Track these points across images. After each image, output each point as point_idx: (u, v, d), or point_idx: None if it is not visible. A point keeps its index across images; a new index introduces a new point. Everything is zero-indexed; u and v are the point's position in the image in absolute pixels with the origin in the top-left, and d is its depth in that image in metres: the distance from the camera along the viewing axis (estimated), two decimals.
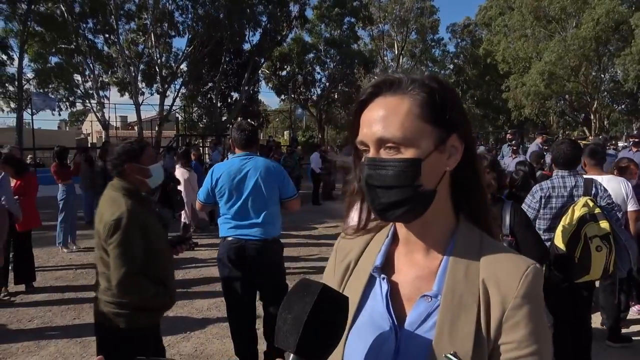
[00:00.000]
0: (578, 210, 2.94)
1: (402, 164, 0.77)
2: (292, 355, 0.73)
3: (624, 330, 4.16)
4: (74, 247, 7.71)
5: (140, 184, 2.47)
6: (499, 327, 0.77)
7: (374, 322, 0.83)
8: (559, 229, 3.01)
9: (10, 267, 5.53)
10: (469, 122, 0.86)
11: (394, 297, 0.84)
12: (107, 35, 22.69)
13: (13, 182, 5.35)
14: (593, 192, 3.14)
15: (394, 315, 0.82)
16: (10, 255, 5.49)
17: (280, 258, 3.48)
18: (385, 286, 0.85)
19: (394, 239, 0.91)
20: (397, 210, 0.79)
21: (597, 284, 4.10)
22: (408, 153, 0.77)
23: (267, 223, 3.26)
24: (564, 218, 3.00)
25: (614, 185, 3.58)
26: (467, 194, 0.86)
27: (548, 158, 7.57)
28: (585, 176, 3.40)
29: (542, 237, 3.26)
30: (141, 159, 2.46)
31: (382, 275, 0.86)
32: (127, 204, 2.32)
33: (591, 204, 2.96)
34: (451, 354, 0.75)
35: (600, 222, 2.90)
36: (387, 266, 0.88)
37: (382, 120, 0.78)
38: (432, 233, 0.85)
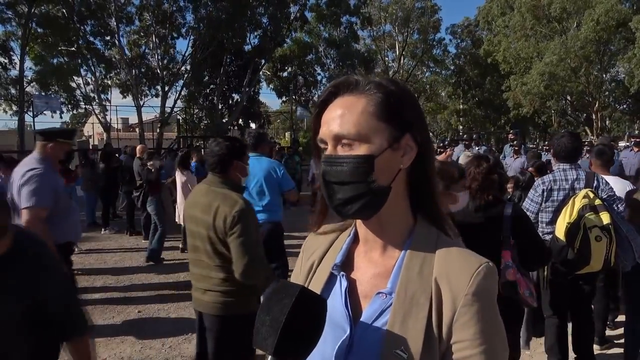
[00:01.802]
0: (578, 201, 2.94)
1: (356, 160, 0.79)
2: (270, 357, 0.74)
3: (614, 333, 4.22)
4: (76, 249, 7.69)
5: (239, 180, 2.65)
6: (450, 325, 0.78)
7: (331, 319, 0.84)
8: (559, 220, 3.02)
9: None
10: (425, 124, 0.89)
11: (351, 294, 0.87)
12: (107, 38, 22.72)
13: None
14: (594, 185, 3.15)
15: (350, 312, 0.84)
16: None
17: (281, 238, 4.33)
18: (344, 283, 0.87)
19: (355, 238, 0.93)
20: (353, 205, 0.81)
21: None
22: (362, 149, 0.80)
23: (269, 210, 4.12)
24: (564, 210, 3.01)
25: (619, 187, 3.58)
26: (422, 194, 0.88)
27: (544, 158, 7.57)
28: (586, 170, 3.40)
29: (545, 229, 3.27)
30: (243, 157, 2.62)
31: (341, 273, 0.88)
32: (240, 197, 2.52)
33: (591, 195, 2.96)
34: (400, 350, 0.77)
35: (600, 213, 2.89)
36: (346, 264, 0.91)
37: (339, 117, 0.81)
38: (390, 232, 0.86)
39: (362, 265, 0.89)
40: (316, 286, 0.91)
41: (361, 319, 0.83)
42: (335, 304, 0.86)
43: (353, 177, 0.79)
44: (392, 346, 0.77)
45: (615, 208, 3.08)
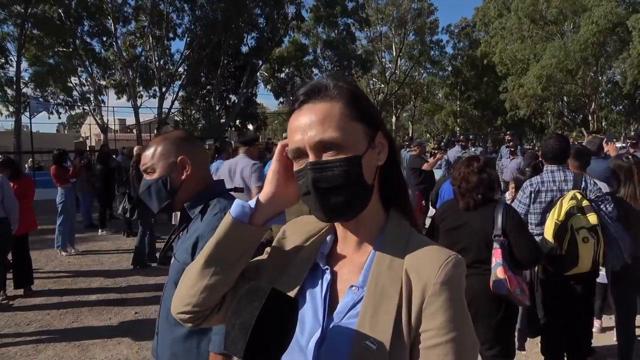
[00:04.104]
0: (566, 203, 2.95)
1: (346, 162, 0.80)
2: None
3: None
4: (73, 251, 7.70)
5: None
6: (419, 314, 0.79)
7: (313, 311, 0.86)
8: (547, 222, 3.04)
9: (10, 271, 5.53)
10: (384, 122, 0.92)
11: (331, 288, 0.88)
12: (104, 39, 22.67)
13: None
14: (582, 186, 3.16)
15: (327, 305, 0.86)
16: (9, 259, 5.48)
17: None
18: (328, 276, 0.89)
19: (334, 234, 0.95)
20: (346, 208, 0.82)
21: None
22: (348, 152, 0.81)
23: None
24: (552, 211, 3.02)
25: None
26: (394, 188, 0.91)
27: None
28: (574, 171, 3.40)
29: (535, 231, 3.28)
30: None
31: (326, 266, 0.90)
32: None
33: (579, 196, 2.97)
34: (370, 342, 0.78)
35: (588, 214, 2.90)
36: (328, 259, 0.93)
37: (317, 124, 0.81)
38: (364, 228, 0.89)
39: (340, 261, 0.91)
40: (298, 276, 0.92)
41: (335, 312, 0.85)
42: (316, 296, 0.88)
43: (347, 179, 0.80)
44: (362, 337, 0.79)
45: (604, 208, 3.09)
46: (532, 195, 3.29)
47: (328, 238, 0.95)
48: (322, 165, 0.81)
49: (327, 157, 0.81)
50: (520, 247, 2.62)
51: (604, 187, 3.79)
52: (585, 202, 2.95)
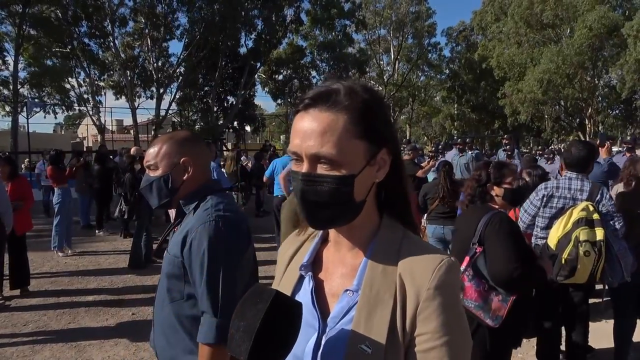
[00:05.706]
0: (576, 213, 2.91)
1: (337, 180, 0.79)
2: None
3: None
4: (69, 251, 7.67)
5: None
6: (413, 319, 0.79)
7: (303, 318, 0.86)
8: (553, 228, 3.01)
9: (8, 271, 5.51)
10: (396, 133, 0.90)
11: (319, 293, 0.89)
12: (101, 40, 22.63)
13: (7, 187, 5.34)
14: (597, 199, 3.09)
15: (318, 311, 0.86)
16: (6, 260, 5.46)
17: None
18: (311, 283, 0.89)
19: (325, 239, 0.95)
20: (331, 222, 0.84)
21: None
22: (343, 170, 0.79)
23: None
24: (560, 219, 2.99)
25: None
26: (393, 198, 0.90)
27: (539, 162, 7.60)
28: (593, 181, 3.32)
29: (540, 234, 3.24)
30: None
31: (309, 273, 0.91)
32: None
33: (591, 208, 2.93)
34: (365, 345, 0.78)
35: (595, 228, 2.86)
36: (315, 264, 0.93)
37: (317, 135, 0.79)
38: (358, 234, 0.88)
39: (332, 265, 0.91)
40: (286, 287, 0.93)
41: (329, 317, 0.85)
42: (306, 303, 0.88)
43: (334, 197, 0.79)
44: (357, 341, 0.79)
45: (612, 224, 3.04)
46: (545, 198, 3.24)
47: (312, 246, 0.95)
48: (312, 179, 0.80)
49: (321, 169, 0.80)
50: (490, 259, 2.30)
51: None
52: (595, 216, 2.89)
